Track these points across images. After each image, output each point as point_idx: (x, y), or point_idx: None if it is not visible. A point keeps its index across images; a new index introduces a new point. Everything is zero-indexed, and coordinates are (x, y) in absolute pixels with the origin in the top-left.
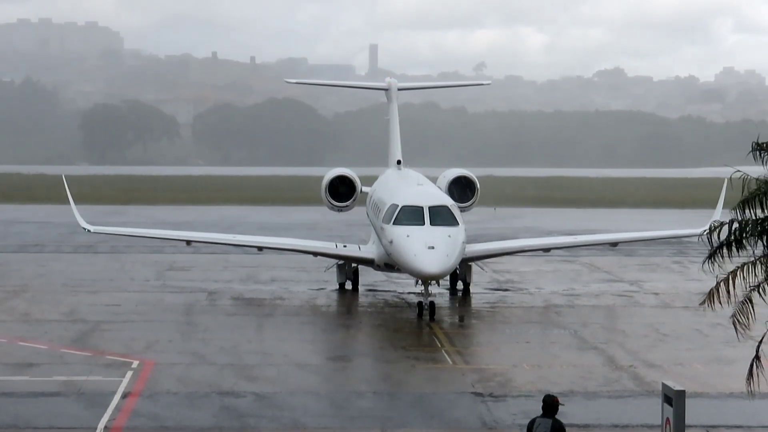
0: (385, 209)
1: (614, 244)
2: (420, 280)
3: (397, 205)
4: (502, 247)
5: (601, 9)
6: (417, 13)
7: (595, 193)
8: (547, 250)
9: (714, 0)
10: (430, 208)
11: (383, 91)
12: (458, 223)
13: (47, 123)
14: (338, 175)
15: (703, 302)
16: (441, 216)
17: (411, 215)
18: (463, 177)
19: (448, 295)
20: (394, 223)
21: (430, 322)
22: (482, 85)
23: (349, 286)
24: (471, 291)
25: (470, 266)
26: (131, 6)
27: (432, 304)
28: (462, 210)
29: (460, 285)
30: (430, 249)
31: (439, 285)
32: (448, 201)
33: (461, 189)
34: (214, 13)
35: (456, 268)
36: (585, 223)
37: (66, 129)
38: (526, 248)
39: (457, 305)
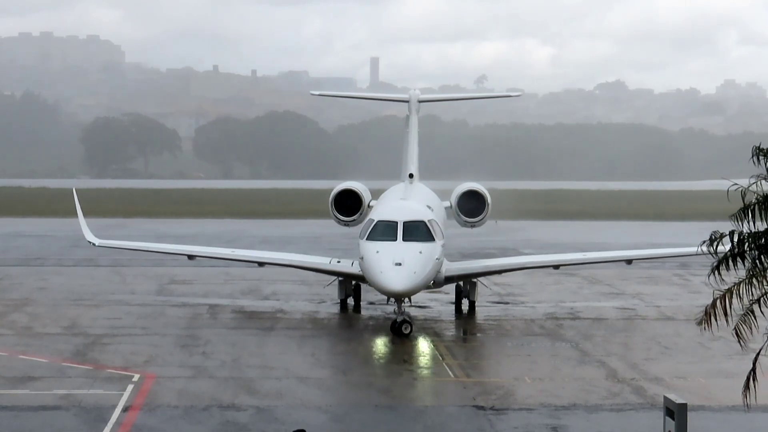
0: (363, 224)
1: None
2: (391, 298)
3: (373, 220)
4: (495, 265)
5: (605, 22)
6: (420, 27)
7: (597, 206)
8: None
9: (718, 12)
10: (405, 223)
11: (403, 103)
12: (434, 239)
13: (48, 136)
14: (345, 188)
15: (701, 322)
16: (415, 231)
17: (384, 230)
18: (473, 191)
19: (454, 312)
20: (367, 239)
21: (407, 336)
22: (510, 96)
23: (351, 302)
24: (477, 308)
25: (475, 283)
26: (133, 19)
27: (404, 321)
28: (472, 225)
29: (466, 303)
30: (396, 265)
31: (410, 302)
32: (426, 216)
33: (472, 203)
34: (216, 27)
35: (460, 286)
36: (586, 236)
37: (67, 142)
38: (515, 267)
39: (458, 319)
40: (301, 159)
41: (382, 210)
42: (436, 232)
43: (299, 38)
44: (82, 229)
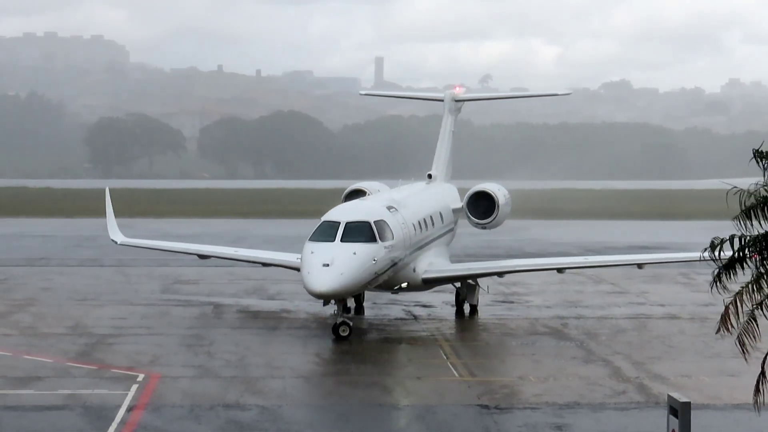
0: None
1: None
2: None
3: (320, 220)
4: (479, 268)
5: (611, 21)
6: (425, 26)
7: (601, 205)
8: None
9: (723, 12)
10: (348, 224)
11: (439, 102)
12: (376, 241)
13: (52, 137)
14: (354, 189)
15: (719, 330)
16: (357, 232)
17: (327, 231)
18: (482, 192)
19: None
20: (309, 239)
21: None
22: (557, 95)
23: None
24: (479, 311)
25: (474, 286)
26: (137, 19)
27: (343, 323)
28: (483, 227)
29: (468, 307)
30: (324, 266)
31: (345, 304)
32: (373, 217)
33: (482, 205)
34: (220, 27)
35: (458, 289)
36: (591, 235)
37: (71, 143)
38: (499, 271)
39: (463, 318)
40: (305, 159)
41: (333, 210)
42: (382, 233)
43: (304, 38)
44: (108, 226)
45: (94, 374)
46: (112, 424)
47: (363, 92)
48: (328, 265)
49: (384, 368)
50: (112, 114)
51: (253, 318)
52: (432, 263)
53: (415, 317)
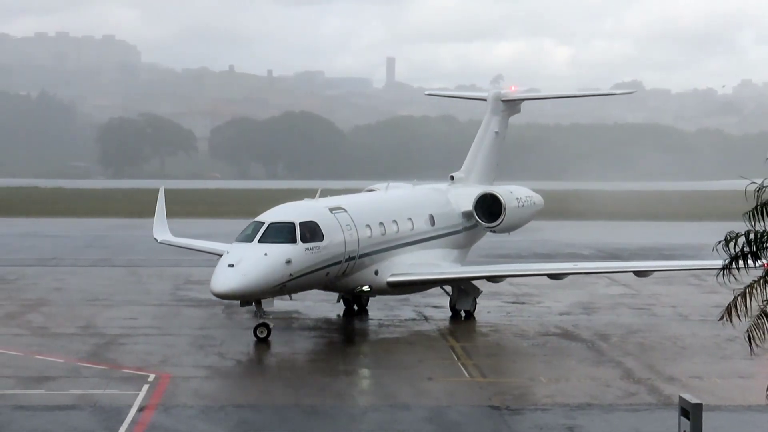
0: None
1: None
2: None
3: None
4: (450, 272)
5: (623, 22)
6: (437, 26)
7: (612, 207)
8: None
9: (736, 12)
10: (272, 224)
11: (483, 101)
12: (296, 242)
13: (64, 137)
14: (372, 189)
15: (722, 317)
16: (278, 233)
17: (251, 231)
18: (489, 195)
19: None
20: (235, 239)
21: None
22: (615, 95)
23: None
24: (476, 319)
25: (469, 291)
26: (148, 19)
27: (260, 325)
28: (492, 230)
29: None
30: (229, 267)
31: (258, 306)
32: (302, 218)
33: (487, 208)
34: (231, 27)
35: (449, 294)
36: (602, 237)
37: (82, 143)
38: (469, 276)
39: (473, 320)
40: (317, 159)
41: (271, 210)
42: (308, 234)
43: (315, 38)
44: (155, 223)
45: (105, 374)
46: (123, 424)
47: (428, 92)
48: (232, 265)
49: (395, 369)
50: (123, 114)
51: None
52: (413, 266)
53: (426, 318)
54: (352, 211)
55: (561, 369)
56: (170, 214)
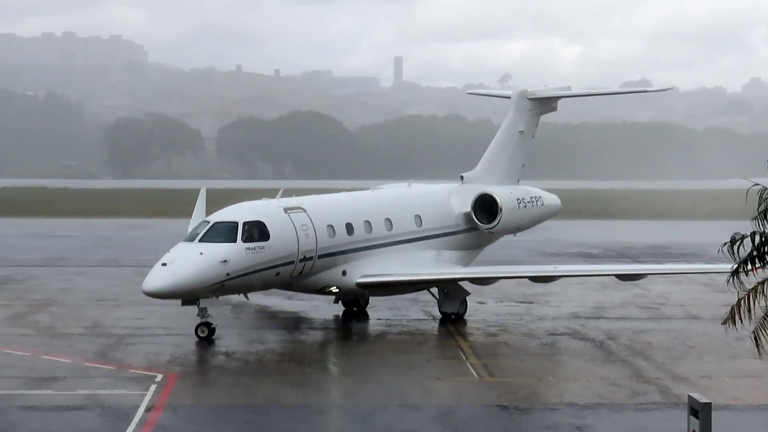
0: None
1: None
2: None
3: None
4: (422, 274)
5: (633, 20)
6: (445, 26)
7: (621, 205)
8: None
9: (745, 11)
10: (216, 224)
11: (506, 99)
12: (236, 241)
13: (71, 137)
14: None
15: (725, 322)
16: (220, 232)
17: (197, 230)
18: (485, 196)
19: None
20: (182, 240)
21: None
22: (647, 92)
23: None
24: (467, 321)
25: (454, 294)
26: (155, 19)
27: (201, 324)
28: (491, 232)
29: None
30: (162, 266)
31: (200, 307)
32: (248, 217)
33: (484, 209)
34: (238, 26)
35: (433, 295)
36: (610, 235)
37: (90, 143)
38: (440, 278)
39: (482, 318)
40: (324, 159)
41: (223, 209)
42: (252, 234)
43: (323, 37)
44: (191, 223)
45: (112, 374)
46: (131, 424)
47: (470, 92)
48: (165, 264)
49: (403, 369)
50: (130, 114)
51: (272, 318)
52: (387, 267)
53: (434, 317)
54: (312, 211)
55: (570, 368)
56: (178, 214)
